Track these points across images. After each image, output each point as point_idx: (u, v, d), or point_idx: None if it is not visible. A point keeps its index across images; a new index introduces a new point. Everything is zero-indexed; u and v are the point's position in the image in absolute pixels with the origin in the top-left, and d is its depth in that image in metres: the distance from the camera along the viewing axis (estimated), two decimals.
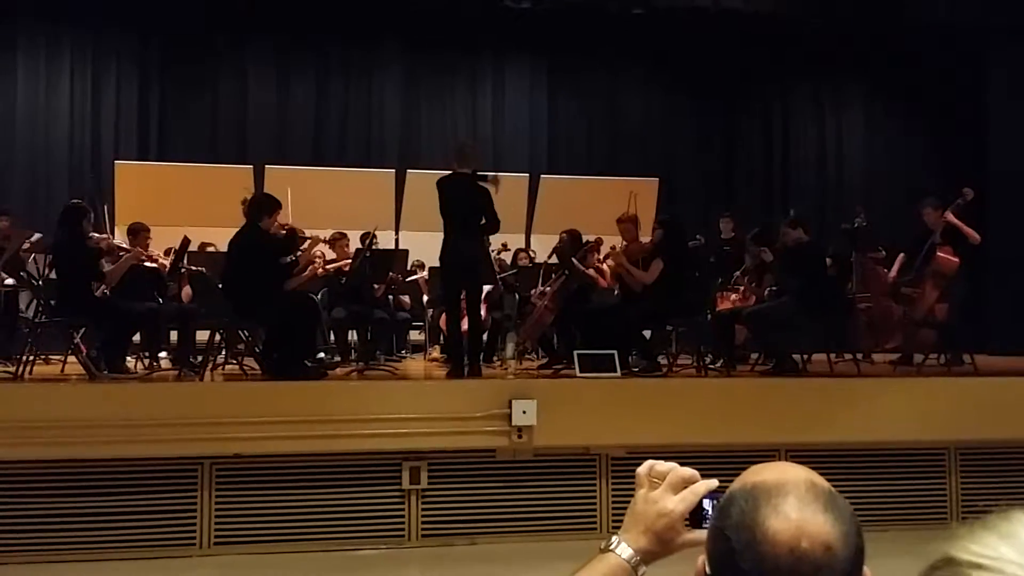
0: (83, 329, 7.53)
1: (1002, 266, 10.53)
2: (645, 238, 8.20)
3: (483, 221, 6.90)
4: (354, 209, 10.03)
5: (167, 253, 8.17)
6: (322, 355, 8.24)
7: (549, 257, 8.95)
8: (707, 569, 1.02)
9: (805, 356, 7.52)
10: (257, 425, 5.95)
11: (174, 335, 8.19)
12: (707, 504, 1.24)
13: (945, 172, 11.55)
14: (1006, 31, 10.96)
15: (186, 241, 7.71)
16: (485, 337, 8.46)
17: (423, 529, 6.22)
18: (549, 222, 10.68)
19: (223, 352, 7.83)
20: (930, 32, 11.31)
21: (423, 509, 6.23)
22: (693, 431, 6.29)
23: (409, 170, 11.34)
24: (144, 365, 7.79)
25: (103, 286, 7.31)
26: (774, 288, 8.00)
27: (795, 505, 0.96)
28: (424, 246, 9.04)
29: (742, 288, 8.74)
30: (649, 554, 1.27)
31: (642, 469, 1.31)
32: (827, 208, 12.69)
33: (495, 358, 8.56)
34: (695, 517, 1.25)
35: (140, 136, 11.92)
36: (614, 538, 1.28)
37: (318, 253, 8.14)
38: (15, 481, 5.83)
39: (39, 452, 5.74)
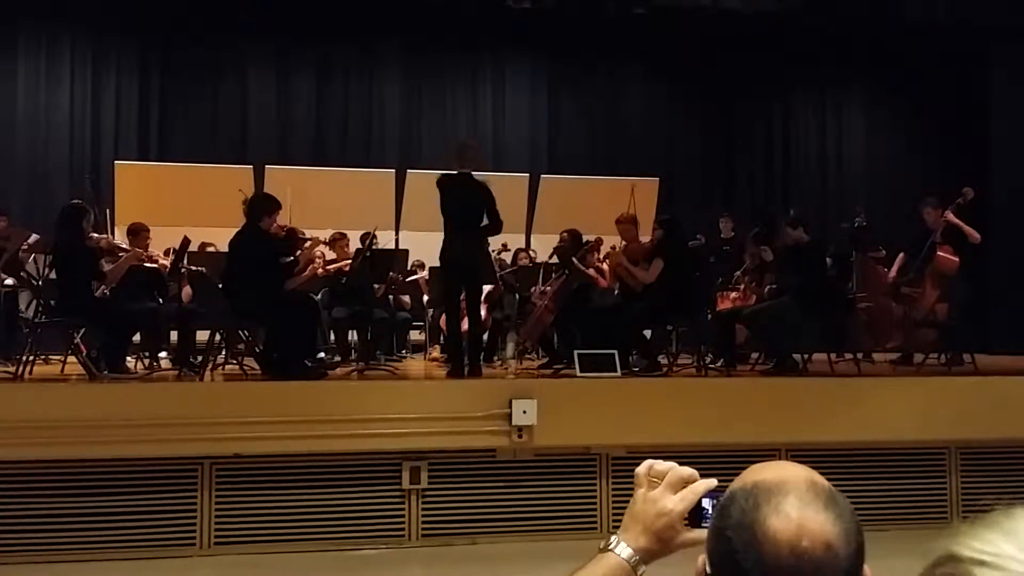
0: (83, 329, 7.53)
1: (1002, 265, 10.53)
2: (645, 238, 8.20)
3: (485, 221, 6.90)
4: (354, 209, 10.03)
5: (167, 253, 8.17)
6: (322, 355, 8.24)
7: (550, 257, 8.96)
8: (707, 568, 1.02)
9: (805, 356, 7.51)
10: (257, 425, 5.95)
11: (174, 335, 8.19)
12: (706, 503, 1.24)
13: (945, 171, 11.56)
14: (1006, 31, 10.96)
15: (186, 241, 7.71)
16: (485, 337, 8.46)
17: (423, 529, 6.22)
18: (549, 222, 10.68)
19: (223, 352, 7.83)
20: (930, 32, 11.31)
21: (423, 509, 6.23)
22: (693, 431, 6.28)
23: (409, 170, 11.33)
24: (144, 365, 7.79)
25: (103, 286, 7.31)
26: (774, 288, 8.00)
27: (796, 504, 0.96)
28: (424, 246, 9.03)
29: (742, 288, 8.74)
30: (648, 553, 1.26)
31: (641, 469, 1.31)
32: (827, 208, 12.69)
33: (495, 358, 8.56)
34: (694, 516, 1.24)
35: (140, 136, 11.92)
36: (613, 538, 1.28)
37: (318, 253, 8.14)
38: (15, 481, 5.83)
39: (39, 452, 5.74)
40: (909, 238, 8.41)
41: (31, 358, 6.84)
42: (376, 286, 8.41)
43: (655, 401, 6.51)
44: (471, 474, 6.31)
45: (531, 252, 9.93)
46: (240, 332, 7.76)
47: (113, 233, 8.88)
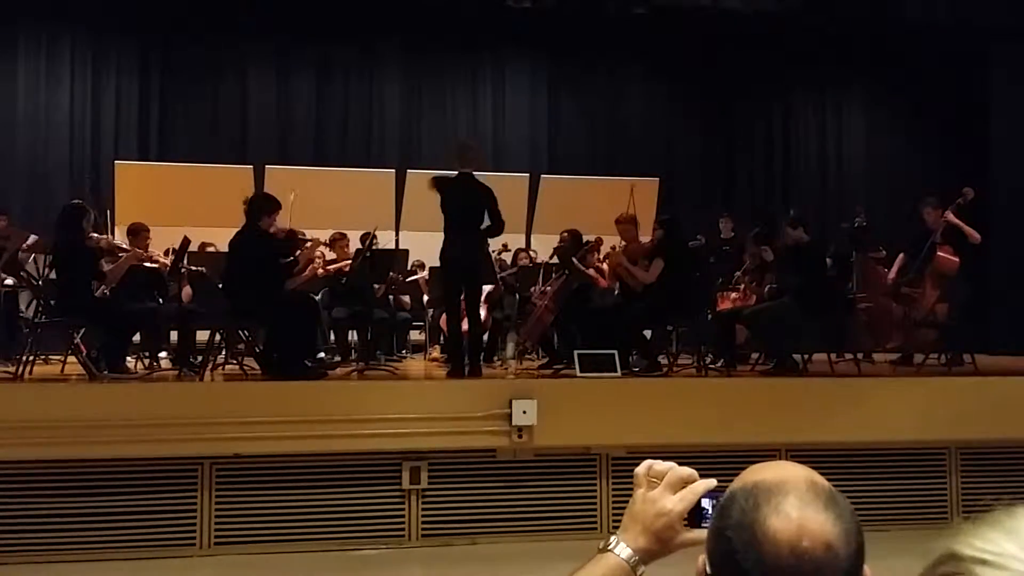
0: (83, 329, 7.53)
1: (1002, 265, 10.53)
2: (645, 238, 8.20)
3: (487, 222, 6.90)
4: (354, 209, 10.03)
5: (167, 253, 8.17)
6: (322, 355, 8.25)
7: (550, 257, 8.96)
8: (707, 569, 1.02)
9: (805, 356, 7.51)
10: (257, 425, 5.95)
11: (174, 335, 8.19)
12: (705, 503, 1.24)
13: (945, 171, 11.56)
14: (1006, 31, 10.96)
15: (186, 241, 7.71)
16: (485, 337, 8.46)
17: (423, 529, 6.22)
18: (549, 222, 10.68)
19: (223, 352, 7.83)
20: (930, 32, 11.31)
21: (423, 509, 6.23)
22: (693, 431, 6.28)
23: (409, 170, 11.33)
24: (144, 365, 7.79)
25: (103, 286, 7.31)
26: (774, 288, 8.00)
27: (796, 504, 0.96)
28: (424, 246, 9.03)
29: (742, 288, 8.74)
30: (648, 554, 1.26)
31: (640, 469, 1.30)
32: (827, 208, 12.69)
33: (495, 358, 8.56)
34: (694, 516, 1.24)
35: (140, 136, 11.92)
36: (613, 538, 1.28)
37: (319, 254, 8.14)
38: (15, 481, 5.83)
39: (39, 452, 5.74)
40: (909, 238, 8.41)
41: (31, 358, 6.84)
42: (376, 286, 8.41)
43: (655, 401, 6.51)
44: (471, 474, 6.31)
45: (531, 252, 9.93)
46: (240, 332, 7.76)
47: (113, 233, 8.88)
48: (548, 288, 8.30)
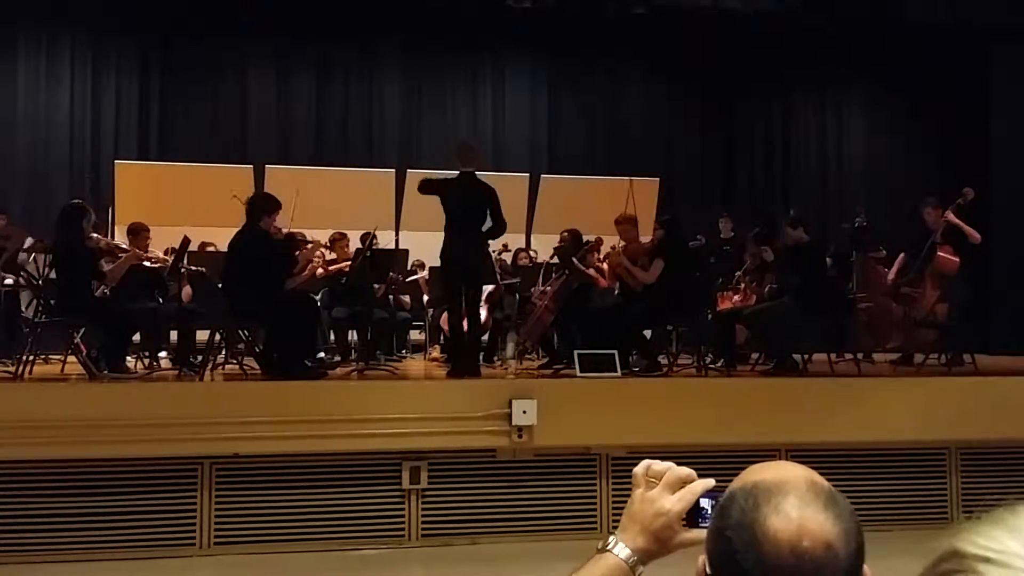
0: (83, 329, 7.53)
1: (1002, 265, 10.53)
2: (645, 238, 8.20)
3: (488, 224, 6.89)
4: (354, 209, 10.03)
5: (167, 253, 8.17)
6: (322, 355, 8.25)
7: (550, 257, 8.95)
8: (707, 569, 1.01)
9: (805, 356, 7.51)
10: (257, 425, 5.95)
11: (174, 335, 8.19)
12: (704, 503, 1.24)
13: (945, 171, 11.56)
14: (1006, 31, 10.96)
15: (186, 241, 7.71)
16: (485, 337, 8.46)
17: (423, 529, 6.22)
18: (549, 222, 10.68)
19: (223, 352, 7.83)
20: (930, 32, 11.31)
21: (423, 509, 6.23)
22: (693, 431, 6.28)
23: (409, 170, 11.32)
24: (144, 365, 7.78)
25: (103, 286, 7.31)
26: (774, 288, 8.00)
27: (796, 504, 0.96)
28: (424, 246, 9.03)
29: (742, 288, 8.74)
30: (647, 554, 1.26)
31: (639, 469, 1.30)
32: (827, 208, 12.69)
33: (495, 358, 8.56)
34: (692, 516, 1.24)
35: (140, 136, 11.92)
36: (611, 538, 1.28)
37: (319, 254, 8.14)
38: (15, 481, 5.83)
39: (39, 452, 5.74)
40: (909, 238, 8.41)
41: (31, 358, 6.84)
42: (376, 286, 8.41)
43: (655, 401, 6.51)
44: (471, 474, 6.31)
45: (531, 252, 9.94)
46: (240, 332, 7.76)
47: (113, 233, 8.88)
48: (548, 288, 8.30)
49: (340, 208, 9.96)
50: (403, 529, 6.21)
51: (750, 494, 0.99)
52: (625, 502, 1.30)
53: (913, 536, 5.50)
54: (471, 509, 6.28)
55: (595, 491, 6.40)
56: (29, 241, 8.09)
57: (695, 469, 1.29)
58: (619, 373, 6.81)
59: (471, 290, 7.08)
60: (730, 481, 1.05)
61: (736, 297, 8.75)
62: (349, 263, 8.30)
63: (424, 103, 12.68)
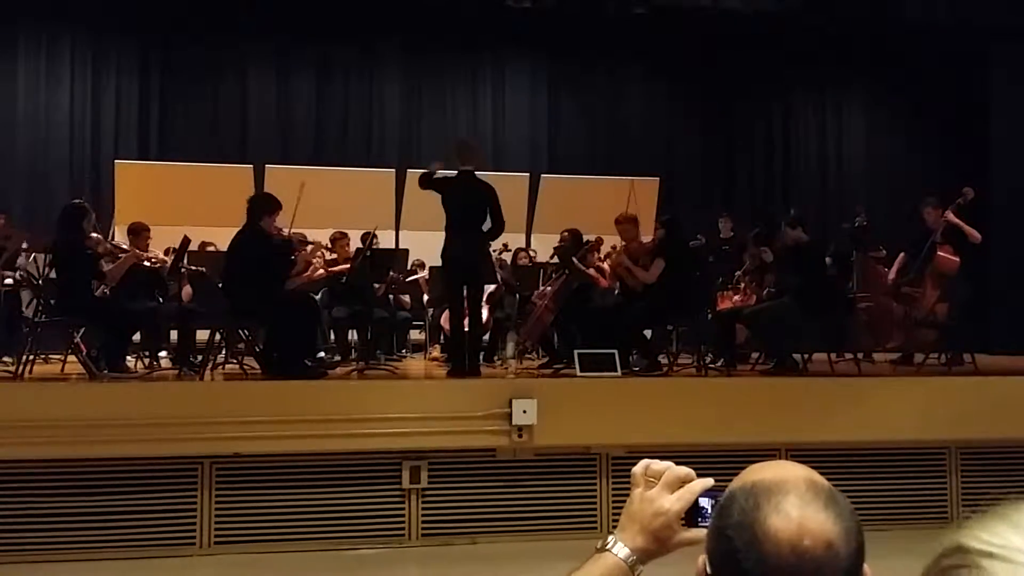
0: (83, 328, 7.53)
1: (1002, 266, 10.53)
2: (646, 238, 8.20)
3: (488, 224, 6.88)
4: (354, 209, 10.03)
5: (167, 252, 8.17)
6: (322, 355, 8.24)
7: (550, 257, 8.95)
8: (708, 568, 1.01)
9: (805, 356, 7.52)
10: (257, 425, 5.95)
11: (174, 335, 8.19)
12: (703, 503, 1.24)
13: (945, 171, 11.55)
14: (1006, 31, 10.96)
15: (186, 241, 7.71)
16: (486, 337, 8.45)
17: (423, 528, 6.22)
18: (549, 222, 10.68)
19: (223, 352, 7.83)
20: (930, 32, 11.30)
21: (423, 508, 6.23)
22: (693, 431, 6.28)
23: (409, 170, 11.30)
24: (144, 365, 7.79)
25: (103, 285, 7.31)
26: (773, 291, 8.00)
27: (796, 503, 0.96)
28: (424, 245, 9.03)
29: (742, 287, 8.74)
30: (646, 553, 1.26)
31: (638, 468, 1.30)
32: (827, 208, 12.69)
33: (495, 358, 8.56)
34: (691, 516, 1.24)
35: (140, 136, 11.92)
36: (611, 537, 1.28)
37: (319, 254, 8.14)
38: (15, 481, 5.83)
39: (39, 452, 5.74)
40: (909, 238, 8.41)
41: (31, 357, 6.84)
42: (376, 286, 8.41)
43: (655, 401, 6.51)
44: (471, 474, 6.31)
45: (531, 252, 9.94)
46: (240, 332, 7.76)
47: (113, 234, 8.87)
48: (548, 288, 8.30)
49: (340, 208, 9.96)
50: (403, 529, 6.21)
51: (750, 493, 0.99)
52: (625, 502, 1.30)
53: (913, 536, 5.50)
54: (471, 509, 6.28)
55: (595, 491, 6.40)
56: (25, 245, 8.10)
57: (695, 469, 1.29)
58: (619, 373, 6.81)
59: (473, 289, 7.08)
60: (730, 481, 1.05)
61: (736, 297, 8.75)
62: (349, 263, 8.29)
63: (424, 103, 12.68)
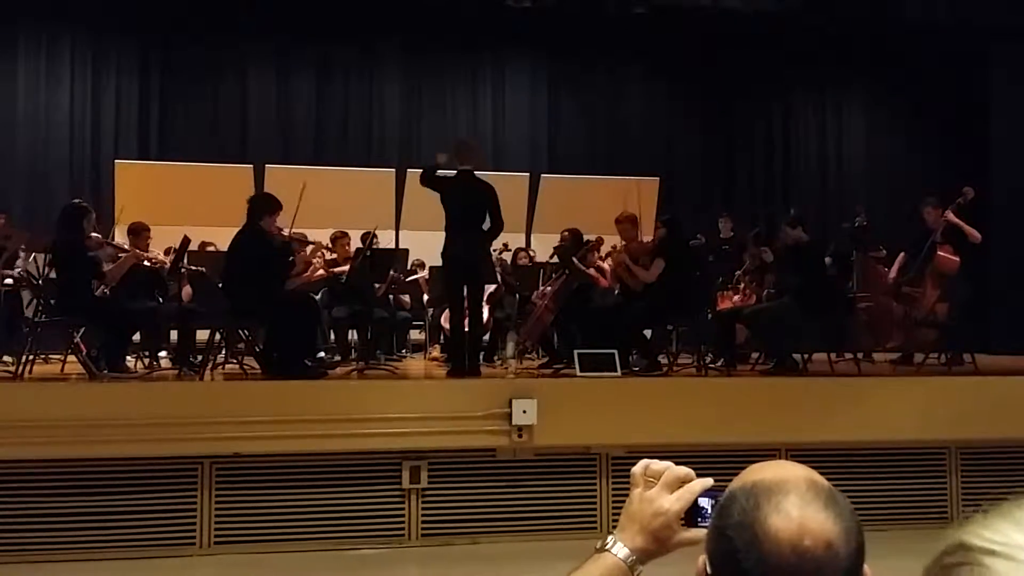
0: (83, 328, 7.52)
1: (1002, 266, 10.53)
2: (646, 238, 8.20)
3: (487, 224, 6.88)
4: (354, 209, 10.03)
5: (167, 253, 8.17)
6: (322, 355, 8.24)
7: (550, 257, 8.95)
8: (708, 568, 1.01)
9: (805, 356, 7.51)
10: (257, 425, 5.95)
11: (174, 335, 8.19)
12: (703, 503, 1.24)
13: (945, 171, 11.55)
14: (1006, 31, 10.96)
15: (186, 241, 7.71)
16: (486, 337, 8.45)
17: (423, 528, 6.22)
18: (549, 221, 10.68)
19: (223, 352, 7.83)
20: (930, 32, 11.30)
21: (423, 508, 6.23)
22: (693, 431, 6.28)
23: (409, 169, 11.30)
24: (144, 365, 7.79)
25: (103, 285, 7.31)
26: (774, 288, 8.00)
27: (796, 503, 0.96)
28: (424, 245, 9.03)
29: (742, 287, 8.74)
30: (645, 553, 1.26)
31: (637, 468, 1.30)
32: (827, 208, 12.69)
33: (495, 358, 8.56)
34: (691, 516, 1.24)
35: (140, 136, 11.92)
36: (610, 537, 1.28)
37: (319, 255, 8.13)
38: (15, 481, 5.83)
39: (39, 452, 5.74)
40: (909, 238, 8.41)
41: (31, 357, 6.84)
42: (376, 286, 8.41)
43: (655, 401, 6.51)
44: (471, 474, 6.31)
45: (531, 252, 9.94)
46: (240, 332, 7.76)
47: (113, 234, 8.87)
48: (548, 288, 8.30)
49: (340, 208, 9.96)
50: (403, 529, 6.21)
51: (751, 493, 0.99)
52: (624, 502, 1.30)
53: (913, 536, 5.51)
54: (471, 509, 6.28)
55: (595, 491, 6.40)
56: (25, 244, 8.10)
57: (695, 469, 1.29)
58: (619, 373, 6.81)
59: (473, 289, 7.08)
60: (730, 481, 1.05)
61: (736, 297, 8.75)
62: (349, 263, 8.29)
63: (424, 103, 12.68)
